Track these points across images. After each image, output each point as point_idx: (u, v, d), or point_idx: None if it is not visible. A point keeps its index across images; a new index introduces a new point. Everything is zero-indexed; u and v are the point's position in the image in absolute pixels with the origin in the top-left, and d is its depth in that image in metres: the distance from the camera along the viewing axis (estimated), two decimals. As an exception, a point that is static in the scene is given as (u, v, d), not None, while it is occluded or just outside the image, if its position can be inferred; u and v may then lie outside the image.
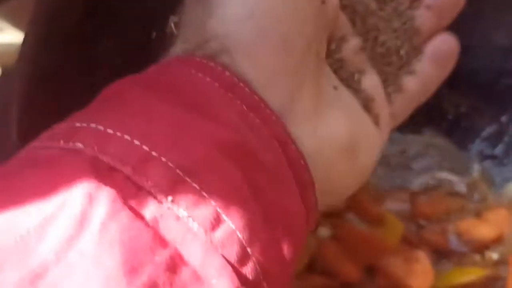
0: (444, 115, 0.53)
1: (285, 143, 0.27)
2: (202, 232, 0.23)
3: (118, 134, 0.23)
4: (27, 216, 0.21)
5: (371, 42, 0.34)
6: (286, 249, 0.26)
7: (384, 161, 0.51)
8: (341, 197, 0.33)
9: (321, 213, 0.45)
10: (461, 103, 0.53)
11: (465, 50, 0.50)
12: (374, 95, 0.33)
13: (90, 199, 0.22)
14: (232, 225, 0.23)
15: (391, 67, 0.35)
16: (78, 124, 0.24)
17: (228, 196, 0.24)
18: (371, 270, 0.43)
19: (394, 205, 0.47)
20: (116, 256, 0.21)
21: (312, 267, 0.43)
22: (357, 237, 0.44)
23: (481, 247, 0.45)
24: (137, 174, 0.22)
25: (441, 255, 0.45)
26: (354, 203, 0.45)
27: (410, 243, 0.45)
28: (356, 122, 0.31)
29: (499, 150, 0.52)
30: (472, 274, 0.43)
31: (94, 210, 0.21)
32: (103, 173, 0.22)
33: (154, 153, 0.23)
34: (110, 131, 0.23)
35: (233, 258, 0.23)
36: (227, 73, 0.27)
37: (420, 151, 0.52)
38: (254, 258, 0.24)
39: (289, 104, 0.28)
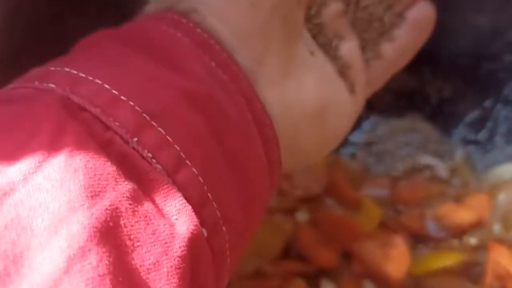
0: (427, 100, 0.53)
1: (251, 101, 0.28)
2: (164, 173, 0.23)
3: (90, 78, 0.24)
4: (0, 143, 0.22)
5: (353, 6, 0.34)
6: (248, 198, 0.27)
7: (366, 145, 0.51)
8: (309, 160, 0.34)
9: (298, 198, 0.45)
10: (444, 88, 0.53)
11: (448, 35, 0.50)
12: (351, 62, 0.33)
13: (59, 130, 0.22)
14: (194, 169, 0.24)
15: (372, 33, 0.35)
16: (52, 68, 0.25)
17: (191, 142, 0.25)
18: (347, 256, 0.43)
19: (373, 190, 0.47)
20: (80, 181, 0.21)
21: (288, 252, 0.43)
22: (334, 222, 0.44)
23: (459, 232, 0.45)
24: (105, 114, 0.23)
25: (418, 240, 0.45)
26: (332, 188, 0.45)
27: (387, 228, 0.44)
28: (329, 88, 0.32)
29: (482, 135, 0.51)
30: (449, 259, 0.43)
31: (62, 140, 0.22)
32: (73, 111, 0.23)
33: (123, 97, 0.24)
34: (82, 74, 0.24)
35: (193, 200, 0.24)
36: (198, 30, 0.28)
37: (403, 136, 0.52)
38: (214, 203, 0.24)
39: (256, 66, 0.29)
